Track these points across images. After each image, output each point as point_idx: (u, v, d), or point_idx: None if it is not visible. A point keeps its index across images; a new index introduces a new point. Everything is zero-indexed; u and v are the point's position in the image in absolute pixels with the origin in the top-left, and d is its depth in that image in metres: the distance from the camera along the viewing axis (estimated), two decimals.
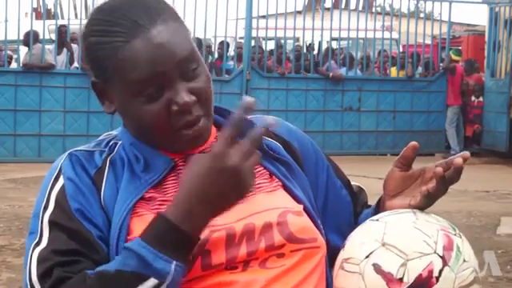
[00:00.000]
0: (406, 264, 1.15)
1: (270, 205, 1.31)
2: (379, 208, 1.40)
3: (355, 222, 1.50)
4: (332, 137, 11.91)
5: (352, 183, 1.55)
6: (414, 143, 1.37)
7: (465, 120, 12.82)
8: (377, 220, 1.25)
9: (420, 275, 1.14)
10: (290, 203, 1.33)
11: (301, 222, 1.30)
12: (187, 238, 1.16)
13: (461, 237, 1.21)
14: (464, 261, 1.17)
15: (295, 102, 11.77)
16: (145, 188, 1.27)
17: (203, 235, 1.24)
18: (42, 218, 1.25)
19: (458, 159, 1.29)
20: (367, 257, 1.18)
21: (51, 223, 1.24)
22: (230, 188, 1.15)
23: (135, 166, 1.30)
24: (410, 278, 1.14)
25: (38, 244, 1.23)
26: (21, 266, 5.10)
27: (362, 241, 1.21)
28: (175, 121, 1.26)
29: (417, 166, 1.38)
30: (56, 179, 1.28)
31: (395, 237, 1.18)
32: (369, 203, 1.55)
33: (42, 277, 1.19)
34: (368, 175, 9.03)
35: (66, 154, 1.32)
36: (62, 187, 1.27)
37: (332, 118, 12.02)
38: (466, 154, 1.32)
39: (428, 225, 1.20)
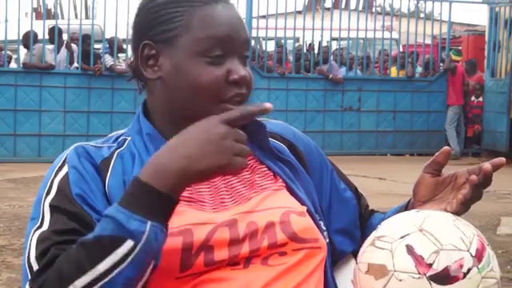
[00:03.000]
0: (438, 252, 1.17)
1: (273, 204, 1.32)
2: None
3: (361, 225, 1.50)
4: (332, 137, 11.91)
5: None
6: (446, 148, 1.37)
7: (465, 120, 12.82)
8: (417, 211, 1.27)
9: (449, 266, 1.16)
10: (293, 204, 1.34)
11: (303, 222, 1.31)
12: (162, 196, 1.15)
13: (491, 250, 1.23)
14: (492, 270, 1.20)
15: (295, 101, 11.77)
16: None
17: (206, 232, 1.24)
18: (44, 203, 1.27)
19: (487, 165, 1.31)
20: (402, 237, 1.19)
21: (52, 207, 1.26)
22: (209, 153, 1.14)
23: (145, 160, 1.29)
24: (439, 266, 1.16)
25: (39, 228, 1.24)
26: (21, 266, 5.10)
27: (399, 223, 1.23)
28: (227, 90, 1.29)
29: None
30: (60, 168, 1.30)
31: (434, 226, 1.20)
32: (373, 205, 1.56)
33: (39, 256, 1.21)
34: (368, 175, 9.04)
35: (73, 146, 1.34)
36: (66, 174, 1.28)
37: (332, 118, 12.02)
38: (502, 160, 1.34)
39: (466, 227, 1.23)
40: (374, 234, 1.24)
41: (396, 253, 1.18)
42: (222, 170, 1.16)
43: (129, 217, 1.14)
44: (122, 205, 1.16)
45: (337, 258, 1.46)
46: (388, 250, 1.19)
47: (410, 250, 1.17)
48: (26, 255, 1.22)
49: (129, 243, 1.14)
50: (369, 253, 1.22)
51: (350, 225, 1.49)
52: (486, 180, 1.31)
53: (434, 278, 1.15)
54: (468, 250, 1.18)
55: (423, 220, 1.21)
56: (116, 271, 1.14)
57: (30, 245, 1.23)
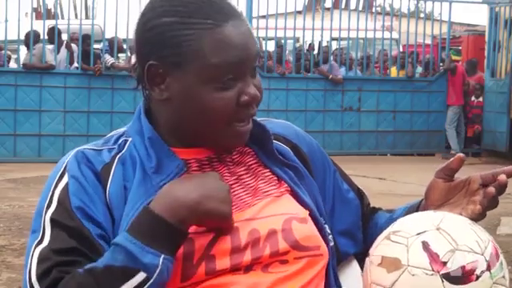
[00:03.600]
0: (454, 251, 1.17)
1: (275, 211, 1.30)
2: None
3: (364, 225, 1.50)
4: (332, 137, 11.91)
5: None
6: (460, 155, 1.36)
7: (465, 120, 12.82)
8: (434, 211, 1.28)
9: (464, 267, 1.16)
10: (295, 209, 1.33)
11: (305, 230, 1.30)
12: (173, 230, 1.17)
13: (504, 259, 1.23)
14: (503, 277, 1.20)
15: (295, 101, 11.77)
16: (155, 191, 1.25)
17: (207, 241, 1.23)
18: (45, 216, 1.26)
19: (502, 176, 1.32)
20: (418, 234, 1.19)
21: (52, 221, 1.24)
22: (218, 198, 1.21)
23: (146, 165, 1.29)
24: (453, 265, 1.16)
25: (39, 242, 1.23)
26: (21, 266, 5.10)
27: (416, 220, 1.23)
28: (237, 112, 1.28)
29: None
30: (61, 177, 1.29)
31: (451, 226, 1.20)
32: (373, 205, 1.56)
33: (41, 277, 1.20)
34: (368, 175, 9.03)
35: (73, 151, 1.32)
36: (66, 185, 1.27)
37: (332, 118, 12.02)
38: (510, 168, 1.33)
39: (482, 232, 1.23)
40: (389, 229, 1.24)
41: (411, 248, 1.18)
42: (221, 217, 1.22)
43: (142, 249, 1.15)
44: (133, 235, 1.16)
45: (340, 259, 1.45)
46: (404, 244, 1.19)
47: (425, 246, 1.17)
48: (27, 273, 1.21)
49: (141, 275, 1.15)
50: (383, 246, 1.22)
51: (352, 226, 1.48)
52: (501, 189, 1.32)
53: (447, 277, 1.15)
54: (482, 254, 1.18)
55: (440, 219, 1.21)
56: None
57: (30, 262, 1.22)
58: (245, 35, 1.28)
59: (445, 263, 1.16)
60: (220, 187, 1.22)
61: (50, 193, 1.28)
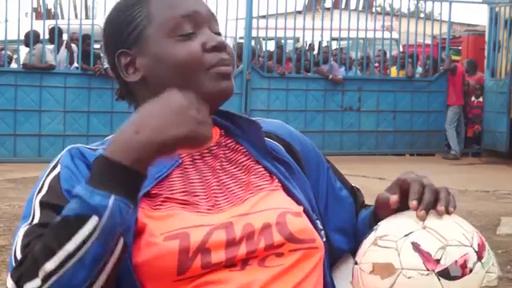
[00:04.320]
0: (445, 248, 1.17)
1: (269, 205, 1.31)
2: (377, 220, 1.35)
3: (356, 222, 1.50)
4: (332, 137, 11.91)
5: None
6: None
7: (465, 120, 12.82)
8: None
9: (456, 261, 1.16)
10: (289, 204, 1.33)
11: (300, 223, 1.30)
12: (126, 170, 1.14)
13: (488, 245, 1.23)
14: (493, 265, 1.21)
15: (295, 101, 11.76)
16: (151, 183, 1.27)
17: (203, 234, 1.24)
18: (35, 201, 1.27)
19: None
20: (406, 235, 1.19)
21: (42, 204, 1.26)
22: (172, 123, 1.13)
23: None
24: (447, 261, 1.16)
25: (28, 224, 1.24)
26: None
27: (400, 222, 1.22)
28: (208, 58, 1.31)
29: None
30: (53, 168, 1.31)
31: (436, 223, 1.20)
32: (366, 203, 1.56)
33: (23, 248, 1.20)
34: (368, 175, 9.03)
35: (67, 148, 1.34)
36: (58, 174, 1.29)
37: (332, 118, 12.02)
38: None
39: (465, 223, 1.23)
40: (374, 234, 1.23)
41: (402, 251, 1.17)
42: (187, 141, 1.14)
43: (91, 192, 1.13)
44: (87, 183, 1.15)
45: (335, 256, 1.46)
46: (393, 248, 1.18)
47: (416, 247, 1.17)
48: (13, 249, 1.22)
49: (93, 219, 1.12)
50: (372, 252, 1.21)
51: (346, 223, 1.48)
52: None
53: (443, 274, 1.15)
54: (471, 246, 1.18)
55: (424, 218, 1.21)
56: (83, 249, 1.12)
57: (16, 239, 1.23)
58: None
59: (438, 261, 1.16)
60: (174, 107, 1.13)
61: (42, 181, 1.30)
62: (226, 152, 1.38)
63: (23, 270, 1.17)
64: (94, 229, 1.12)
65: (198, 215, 1.28)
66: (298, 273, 1.27)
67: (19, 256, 1.19)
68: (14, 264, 1.20)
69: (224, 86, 1.32)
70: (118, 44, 1.35)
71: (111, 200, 1.12)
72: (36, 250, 1.16)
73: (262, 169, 1.37)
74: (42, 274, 1.14)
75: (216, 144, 1.38)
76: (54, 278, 1.14)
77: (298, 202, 1.35)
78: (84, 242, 1.12)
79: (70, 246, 1.13)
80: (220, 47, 1.32)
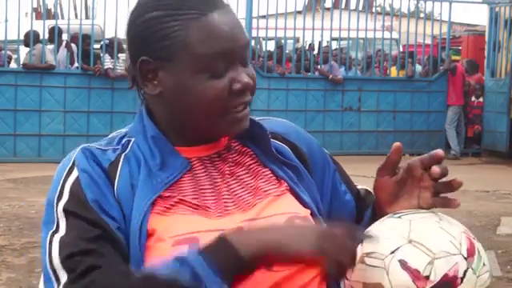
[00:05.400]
0: (433, 262, 1.15)
1: (277, 210, 1.31)
2: (375, 216, 1.38)
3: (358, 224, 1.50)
4: (332, 137, 11.91)
5: (360, 186, 1.55)
6: (397, 144, 1.35)
7: (465, 120, 12.82)
8: (399, 217, 1.24)
9: (446, 274, 1.14)
10: (297, 208, 1.33)
11: None
12: (242, 265, 1.17)
13: (478, 242, 1.21)
14: (483, 264, 1.19)
15: (295, 101, 11.77)
16: (162, 188, 1.26)
17: (213, 238, 1.24)
18: (57, 207, 1.24)
19: (438, 151, 1.31)
20: (392, 252, 1.16)
21: (66, 212, 1.23)
22: (300, 241, 1.18)
23: (151, 164, 1.29)
24: (436, 277, 1.14)
25: (55, 232, 1.22)
26: (21, 266, 5.11)
27: (385, 236, 1.20)
28: (231, 100, 1.28)
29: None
30: (70, 171, 1.27)
31: (422, 235, 1.17)
32: None
33: (65, 261, 1.18)
34: (368, 175, 9.02)
35: (79, 148, 1.31)
36: (77, 179, 1.26)
37: (332, 118, 12.02)
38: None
39: (452, 227, 1.20)
40: (360, 250, 1.21)
41: (390, 270, 1.15)
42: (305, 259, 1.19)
43: (212, 280, 1.14)
44: (206, 260, 1.15)
45: None
46: (381, 267, 1.16)
47: (403, 264, 1.15)
48: (47, 260, 1.20)
49: None
50: (360, 271, 1.19)
51: None
52: (443, 170, 1.29)
53: None
54: (460, 253, 1.16)
55: (409, 229, 1.19)
56: None
57: (50, 249, 1.20)
58: (231, 24, 1.28)
59: (427, 277, 1.14)
60: (308, 236, 1.19)
61: (60, 186, 1.26)
62: (234, 155, 1.37)
63: None
64: None
65: (207, 219, 1.27)
66: (303, 277, 1.27)
67: (62, 270, 1.17)
68: (53, 276, 1.18)
69: (237, 130, 1.32)
70: (145, 50, 1.28)
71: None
72: (111, 283, 1.15)
73: (270, 172, 1.36)
74: None
75: (225, 148, 1.37)
76: None
77: (306, 206, 1.35)
78: None
79: None
80: (246, 90, 1.29)
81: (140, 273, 1.16)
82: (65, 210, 1.23)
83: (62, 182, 1.26)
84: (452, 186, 1.31)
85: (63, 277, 1.18)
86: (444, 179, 1.31)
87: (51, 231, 1.22)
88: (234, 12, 1.32)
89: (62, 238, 1.20)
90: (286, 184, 1.36)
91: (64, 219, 1.22)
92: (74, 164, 1.28)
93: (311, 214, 1.34)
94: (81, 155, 1.29)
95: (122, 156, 1.30)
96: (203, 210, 1.28)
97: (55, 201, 1.25)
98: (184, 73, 1.26)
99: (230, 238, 1.17)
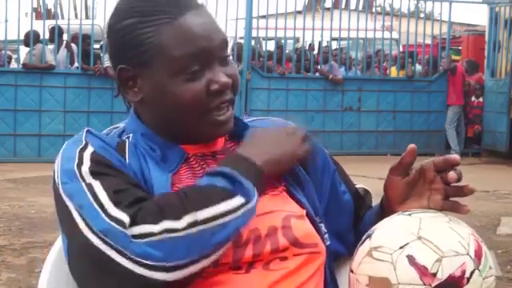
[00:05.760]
0: (441, 260, 1.15)
1: (273, 208, 1.31)
2: (384, 213, 1.39)
3: (355, 227, 1.50)
4: (332, 137, 11.91)
5: (359, 186, 1.55)
6: (412, 146, 1.35)
7: (465, 120, 12.82)
8: (409, 215, 1.24)
9: (453, 273, 1.15)
10: (293, 207, 1.34)
11: (304, 227, 1.31)
12: (261, 175, 1.25)
13: (484, 245, 1.22)
14: (490, 267, 1.20)
15: (295, 101, 11.77)
16: (169, 178, 1.28)
17: None
18: (81, 172, 1.22)
19: (454, 156, 1.32)
20: (401, 247, 1.17)
21: (94, 173, 1.22)
22: (285, 143, 1.31)
23: (153, 155, 1.30)
24: (443, 275, 1.15)
25: (91, 188, 1.20)
26: (21, 266, 5.11)
27: (395, 231, 1.20)
28: (211, 101, 1.29)
29: (416, 165, 1.37)
30: (84, 148, 1.27)
31: (431, 233, 1.18)
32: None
33: (112, 195, 1.18)
34: (368, 175, 9.02)
35: (83, 131, 1.31)
36: (94, 151, 1.26)
37: (332, 118, 12.02)
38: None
39: (460, 227, 1.21)
40: (368, 244, 1.22)
41: (398, 265, 1.16)
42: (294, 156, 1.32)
43: (246, 177, 1.21)
44: (233, 168, 1.22)
45: (331, 259, 1.45)
46: (389, 261, 1.17)
47: (411, 260, 1.16)
48: (99, 209, 1.17)
49: (240, 199, 1.19)
50: (367, 264, 1.20)
51: (343, 228, 1.48)
52: (458, 176, 1.30)
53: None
54: (468, 254, 1.17)
55: (419, 226, 1.19)
56: (230, 216, 1.18)
57: (95, 196, 1.19)
58: (205, 25, 1.29)
59: (434, 274, 1.15)
60: (283, 137, 1.33)
61: (77, 156, 1.25)
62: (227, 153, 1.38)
63: (164, 208, 1.16)
64: (241, 206, 1.19)
65: None
66: (300, 276, 1.28)
67: (126, 218, 1.15)
68: (113, 200, 1.17)
69: (220, 133, 1.35)
70: (123, 57, 1.31)
71: (256, 193, 1.21)
72: (179, 199, 1.17)
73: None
74: (190, 218, 1.15)
75: (221, 149, 1.38)
76: (201, 227, 1.16)
77: (302, 206, 1.35)
78: (230, 212, 1.18)
79: (219, 208, 1.17)
80: (224, 89, 1.30)
81: (181, 190, 1.21)
82: (92, 172, 1.22)
83: (77, 153, 1.25)
84: (463, 192, 1.32)
85: (111, 209, 1.17)
86: (456, 183, 1.31)
87: (84, 190, 1.20)
88: (209, 12, 1.32)
89: (107, 187, 1.19)
90: (282, 184, 1.36)
91: (96, 179, 1.21)
92: (86, 142, 1.28)
93: (307, 214, 1.34)
94: (90, 136, 1.30)
95: (127, 141, 1.32)
96: None
97: (76, 167, 1.23)
98: (161, 77, 1.28)
99: (243, 152, 1.26)
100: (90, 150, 1.26)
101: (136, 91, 1.31)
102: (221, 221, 1.16)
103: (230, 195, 1.18)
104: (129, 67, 1.30)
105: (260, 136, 1.31)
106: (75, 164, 1.23)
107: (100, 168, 1.23)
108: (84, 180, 1.21)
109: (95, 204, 1.18)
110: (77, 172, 1.22)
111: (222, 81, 1.29)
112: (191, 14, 1.28)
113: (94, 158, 1.24)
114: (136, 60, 1.29)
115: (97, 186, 1.20)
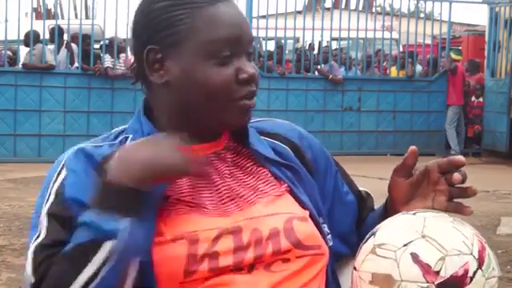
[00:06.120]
0: (444, 258, 1.15)
1: (276, 210, 1.31)
2: (388, 214, 1.39)
3: (358, 228, 1.50)
4: (332, 137, 11.91)
5: (360, 189, 1.55)
6: (413, 148, 1.36)
7: (465, 120, 12.82)
8: (413, 214, 1.25)
9: (456, 272, 1.15)
10: (295, 209, 1.33)
11: (307, 229, 1.31)
12: (127, 190, 1.15)
13: (488, 247, 1.22)
14: (493, 268, 1.20)
15: (295, 101, 11.77)
16: (162, 186, 1.26)
17: (211, 238, 1.24)
18: (42, 212, 1.26)
19: (459, 158, 1.32)
20: (405, 245, 1.17)
21: (49, 215, 1.25)
22: (154, 153, 1.16)
23: None
24: (446, 273, 1.15)
25: (36, 239, 1.24)
26: (21, 266, 5.11)
27: (399, 230, 1.21)
28: (238, 89, 1.29)
29: (418, 166, 1.38)
30: (59, 173, 1.29)
31: (435, 231, 1.19)
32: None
33: (34, 271, 1.21)
34: (368, 175, 9.03)
35: (71, 149, 1.32)
36: (64, 178, 1.27)
37: (332, 118, 12.02)
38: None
39: (464, 227, 1.22)
40: (372, 242, 1.22)
41: (401, 262, 1.16)
42: (175, 169, 1.18)
43: (100, 218, 1.14)
44: (93, 208, 1.16)
45: (333, 259, 1.45)
46: (392, 258, 1.17)
47: (415, 258, 1.16)
48: (26, 267, 1.23)
49: (108, 244, 1.14)
50: (370, 261, 1.20)
51: (346, 228, 1.48)
52: (463, 177, 1.31)
53: (442, 286, 1.15)
54: (471, 253, 1.17)
55: (423, 225, 1.20)
56: (102, 273, 1.15)
57: (28, 256, 1.23)
58: (238, 16, 1.32)
59: (438, 272, 1.15)
60: (150, 146, 1.18)
61: (49, 189, 1.28)
62: (233, 156, 1.37)
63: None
64: (112, 252, 1.14)
65: (205, 218, 1.27)
66: (302, 277, 1.28)
67: (32, 278, 1.20)
68: (30, 283, 1.21)
69: (244, 121, 1.34)
70: (153, 38, 1.29)
71: (124, 223, 1.14)
72: (55, 276, 1.17)
73: (268, 173, 1.37)
74: None
75: (224, 148, 1.37)
76: None
77: (304, 207, 1.35)
78: (103, 265, 1.14)
79: (89, 270, 1.15)
80: (251, 80, 1.30)
81: (59, 254, 1.19)
82: (48, 214, 1.26)
83: (50, 185, 1.29)
84: (467, 193, 1.32)
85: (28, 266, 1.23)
86: (459, 185, 1.32)
87: (34, 237, 1.24)
88: (239, 7, 1.35)
89: (35, 246, 1.23)
90: (285, 185, 1.36)
91: (46, 223, 1.25)
92: (63, 166, 1.29)
93: (310, 215, 1.34)
94: (72, 156, 1.30)
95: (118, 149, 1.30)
96: (201, 209, 1.28)
97: (43, 205, 1.27)
98: (191, 59, 1.28)
99: (108, 177, 1.16)
100: (61, 177, 1.28)
101: (162, 74, 1.30)
102: (99, 277, 1.15)
103: (97, 246, 1.15)
104: (158, 48, 1.29)
105: (123, 153, 1.20)
106: (44, 201, 1.27)
107: (55, 207, 1.26)
108: (40, 223, 1.25)
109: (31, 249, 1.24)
110: (41, 210, 1.27)
111: (251, 71, 1.30)
112: (223, 5, 1.30)
113: (58, 192, 1.27)
114: (168, 40, 1.28)
115: (42, 232, 1.24)
